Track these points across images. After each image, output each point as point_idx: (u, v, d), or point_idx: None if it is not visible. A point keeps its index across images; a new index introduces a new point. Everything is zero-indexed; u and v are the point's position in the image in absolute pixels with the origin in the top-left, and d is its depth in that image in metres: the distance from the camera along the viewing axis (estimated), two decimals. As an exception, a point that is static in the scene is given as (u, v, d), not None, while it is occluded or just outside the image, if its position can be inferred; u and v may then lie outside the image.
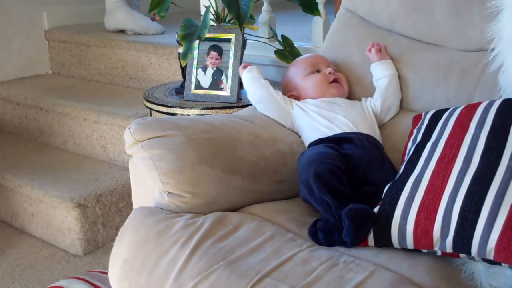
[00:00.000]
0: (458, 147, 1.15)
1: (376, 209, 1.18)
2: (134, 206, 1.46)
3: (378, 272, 1.07)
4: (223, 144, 1.38)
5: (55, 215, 2.10)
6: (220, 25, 1.97)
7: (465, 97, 1.42)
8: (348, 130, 1.43)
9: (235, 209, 1.36)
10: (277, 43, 2.10)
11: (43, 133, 2.61)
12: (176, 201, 1.31)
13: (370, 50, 1.58)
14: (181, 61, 1.89)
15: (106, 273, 1.53)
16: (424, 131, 1.27)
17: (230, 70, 1.89)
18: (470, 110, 1.22)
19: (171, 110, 1.88)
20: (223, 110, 1.84)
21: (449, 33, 1.50)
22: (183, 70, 2.01)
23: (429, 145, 1.21)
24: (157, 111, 1.91)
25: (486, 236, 1.03)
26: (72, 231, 2.06)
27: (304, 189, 1.28)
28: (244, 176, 1.37)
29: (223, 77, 1.91)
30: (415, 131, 1.31)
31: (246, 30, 1.93)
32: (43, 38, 3.00)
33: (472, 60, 1.44)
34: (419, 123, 1.31)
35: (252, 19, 1.99)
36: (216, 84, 1.91)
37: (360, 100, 1.58)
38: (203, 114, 1.83)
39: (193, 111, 1.85)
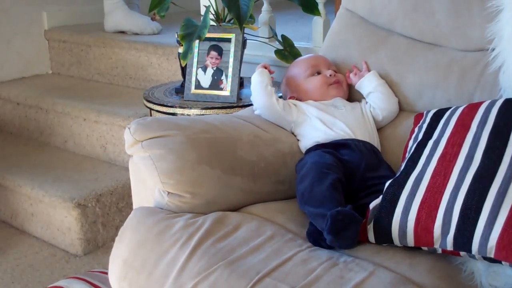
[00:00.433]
0: (460, 145, 1.15)
1: (372, 205, 1.17)
2: (134, 206, 1.46)
3: (378, 271, 1.07)
4: (223, 144, 1.38)
5: (55, 215, 2.10)
6: (220, 25, 1.97)
7: (466, 97, 1.42)
8: (346, 136, 1.43)
9: (235, 209, 1.36)
10: (277, 43, 2.10)
11: (43, 133, 2.61)
12: (176, 201, 1.31)
13: (349, 77, 1.58)
14: (181, 61, 1.89)
15: (106, 273, 1.53)
16: (426, 129, 1.27)
17: (230, 70, 1.89)
18: (472, 109, 1.22)
19: (171, 110, 1.87)
20: (223, 110, 1.84)
21: (449, 33, 1.49)
22: (183, 70, 2.01)
23: (430, 143, 1.21)
24: (157, 111, 1.91)
25: (487, 234, 1.03)
26: (72, 231, 2.06)
27: (298, 200, 1.29)
28: (244, 176, 1.37)
29: (223, 77, 1.90)
30: (416, 129, 1.31)
31: (246, 30, 1.93)
32: (43, 38, 2.99)
33: (472, 60, 1.44)
34: (421, 122, 1.31)
35: (252, 19, 1.99)
36: (216, 84, 1.91)
37: (360, 101, 1.58)
38: (203, 114, 1.83)
39: (193, 111, 1.85)
